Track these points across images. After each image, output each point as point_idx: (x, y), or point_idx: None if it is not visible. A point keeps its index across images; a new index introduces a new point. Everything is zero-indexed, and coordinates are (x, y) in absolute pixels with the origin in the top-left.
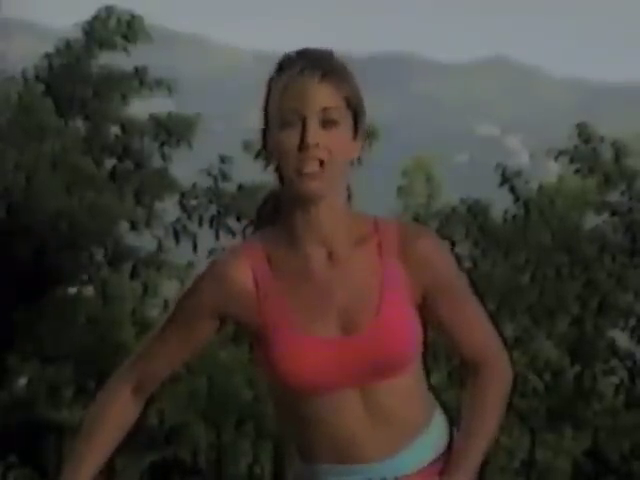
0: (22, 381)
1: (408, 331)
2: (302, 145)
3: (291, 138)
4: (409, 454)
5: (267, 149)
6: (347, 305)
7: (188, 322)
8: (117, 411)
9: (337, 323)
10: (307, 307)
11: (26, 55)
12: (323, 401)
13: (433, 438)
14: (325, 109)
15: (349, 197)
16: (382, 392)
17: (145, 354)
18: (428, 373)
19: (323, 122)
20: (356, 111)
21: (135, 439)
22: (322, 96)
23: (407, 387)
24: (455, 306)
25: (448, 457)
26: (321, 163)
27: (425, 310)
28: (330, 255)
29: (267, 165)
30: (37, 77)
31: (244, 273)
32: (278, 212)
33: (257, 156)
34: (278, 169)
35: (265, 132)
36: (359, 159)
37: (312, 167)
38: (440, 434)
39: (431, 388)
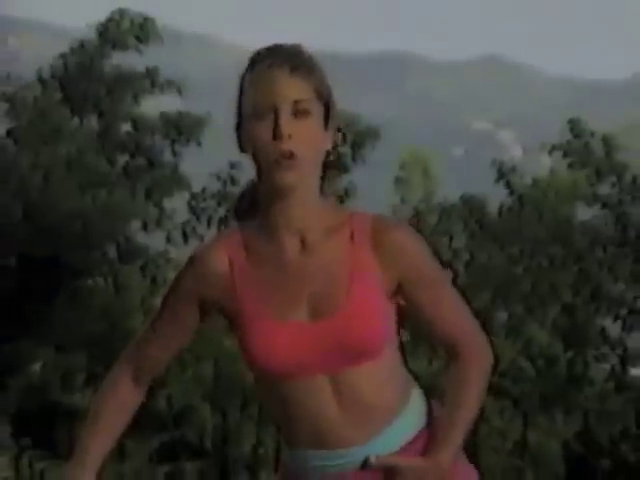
0: (36, 367)
1: (376, 318)
2: (275, 136)
3: (264, 129)
4: (386, 437)
5: (242, 144)
6: (318, 291)
7: (174, 309)
8: (121, 398)
9: (308, 309)
10: (280, 293)
11: (39, 54)
12: (295, 386)
13: (410, 420)
14: (296, 101)
15: (349, 195)
16: (351, 378)
17: (141, 343)
18: (430, 361)
19: (295, 113)
20: (326, 103)
21: (144, 422)
22: (293, 88)
23: (378, 373)
24: (431, 295)
25: (428, 433)
26: (295, 154)
27: (403, 299)
28: (303, 243)
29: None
30: (53, 76)
31: (220, 259)
32: (256, 203)
33: None
34: (255, 162)
35: (239, 127)
36: (363, 158)
37: (287, 158)
38: (418, 412)
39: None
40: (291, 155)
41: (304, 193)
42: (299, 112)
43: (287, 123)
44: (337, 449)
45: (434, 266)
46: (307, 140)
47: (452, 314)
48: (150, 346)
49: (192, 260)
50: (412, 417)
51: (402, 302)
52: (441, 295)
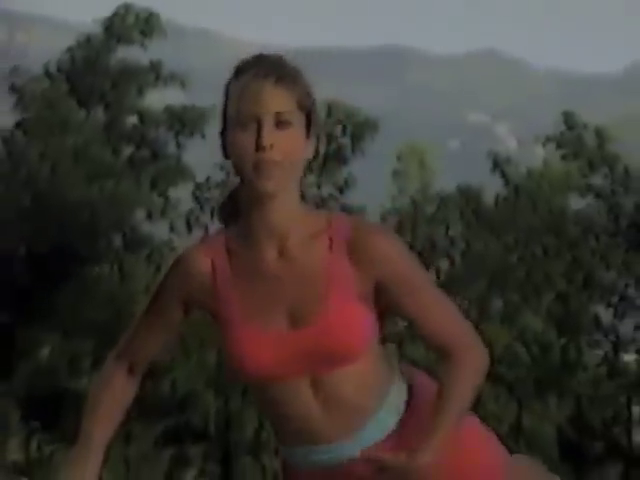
0: (44, 352)
1: (354, 324)
2: (258, 146)
3: (247, 139)
4: (369, 431)
5: (226, 149)
6: (296, 300)
7: (161, 305)
8: (116, 389)
9: (287, 317)
10: (259, 301)
11: (45, 49)
12: (277, 388)
13: (392, 409)
14: (278, 112)
15: (348, 185)
16: (332, 381)
17: (132, 338)
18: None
19: (277, 124)
20: (308, 112)
21: (150, 407)
22: (276, 100)
23: (357, 375)
24: (415, 298)
25: (411, 414)
26: (276, 163)
27: (386, 303)
28: (282, 250)
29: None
30: (59, 70)
31: (203, 263)
32: (240, 208)
33: None
34: (236, 168)
35: (223, 134)
36: (362, 150)
37: (268, 168)
38: (401, 399)
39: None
40: (272, 164)
41: (284, 200)
42: (281, 123)
43: (269, 134)
44: (322, 445)
45: (416, 270)
46: (288, 150)
47: (439, 316)
48: (140, 339)
49: (177, 260)
50: (394, 406)
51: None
52: (425, 298)
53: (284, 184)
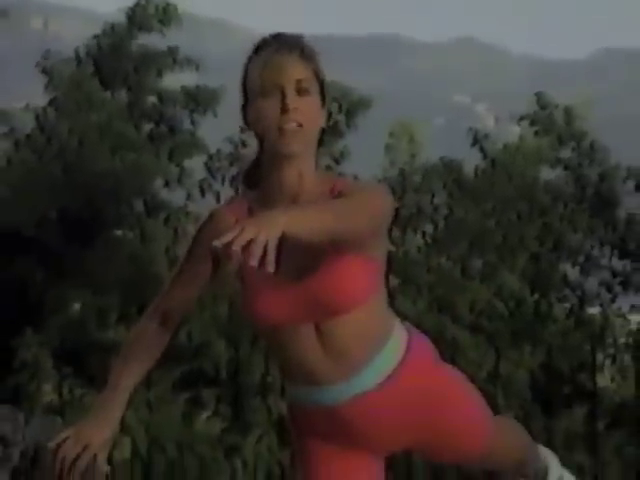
0: (76, 307)
1: (353, 278)
2: (283, 110)
3: (272, 106)
4: (367, 374)
5: (247, 121)
6: (301, 254)
7: (192, 260)
8: (147, 341)
9: (294, 270)
10: None
11: (77, 36)
12: (284, 332)
13: (390, 356)
14: (299, 80)
15: (344, 157)
16: (332, 327)
17: (168, 290)
18: (415, 302)
19: (298, 90)
20: (322, 84)
21: (168, 355)
22: (297, 69)
23: (356, 323)
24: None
25: (407, 363)
26: (299, 126)
27: None
28: None
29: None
30: (87, 54)
31: (228, 220)
32: (261, 174)
33: None
34: (258, 137)
35: (245, 107)
36: (356, 125)
37: (292, 126)
38: (397, 347)
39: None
40: (296, 126)
41: (300, 164)
42: (301, 90)
43: (292, 99)
44: (324, 386)
45: (369, 206)
46: (308, 114)
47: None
48: (174, 291)
49: (208, 217)
50: (392, 353)
51: (392, 248)
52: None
53: (304, 147)
